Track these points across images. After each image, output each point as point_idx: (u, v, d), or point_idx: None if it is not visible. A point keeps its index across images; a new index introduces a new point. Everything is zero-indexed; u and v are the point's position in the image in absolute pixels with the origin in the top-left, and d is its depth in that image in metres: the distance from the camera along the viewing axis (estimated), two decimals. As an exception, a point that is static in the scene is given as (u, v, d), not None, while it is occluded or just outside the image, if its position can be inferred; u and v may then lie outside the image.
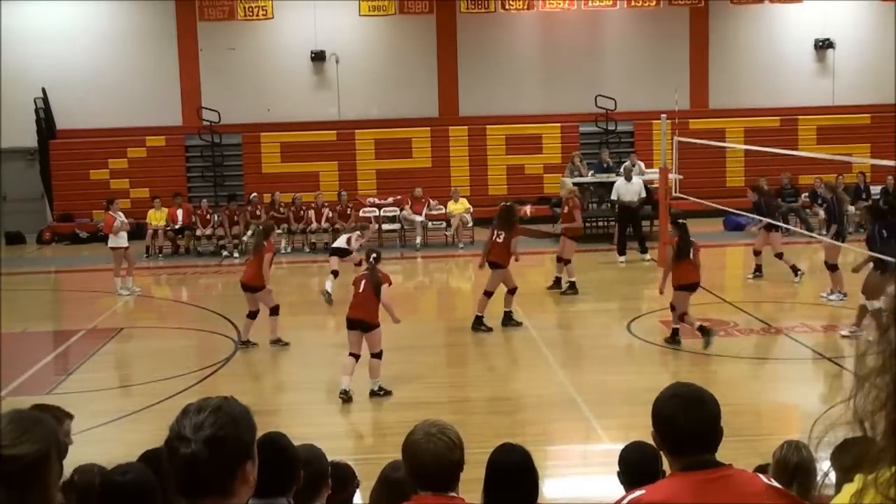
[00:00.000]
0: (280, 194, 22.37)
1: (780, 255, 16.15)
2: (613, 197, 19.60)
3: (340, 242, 16.21)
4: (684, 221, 13.04)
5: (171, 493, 2.30)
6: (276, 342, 12.85)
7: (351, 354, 10.52)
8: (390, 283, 10.75)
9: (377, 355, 10.59)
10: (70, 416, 4.72)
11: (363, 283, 10.56)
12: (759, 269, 16.65)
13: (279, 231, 21.59)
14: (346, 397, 10.39)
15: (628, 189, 19.04)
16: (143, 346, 13.76)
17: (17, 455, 2.01)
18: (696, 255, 12.38)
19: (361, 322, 10.49)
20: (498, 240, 13.55)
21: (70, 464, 3.68)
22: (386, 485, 4.46)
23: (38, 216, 24.64)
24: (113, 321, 15.26)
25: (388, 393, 10.63)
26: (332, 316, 13.41)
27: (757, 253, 16.61)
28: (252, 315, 12.83)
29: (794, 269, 16.11)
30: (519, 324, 13.64)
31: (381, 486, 4.52)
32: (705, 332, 12.14)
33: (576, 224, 15.99)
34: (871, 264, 12.55)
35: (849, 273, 13.72)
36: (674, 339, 12.42)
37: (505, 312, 13.58)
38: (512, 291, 13.56)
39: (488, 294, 13.50)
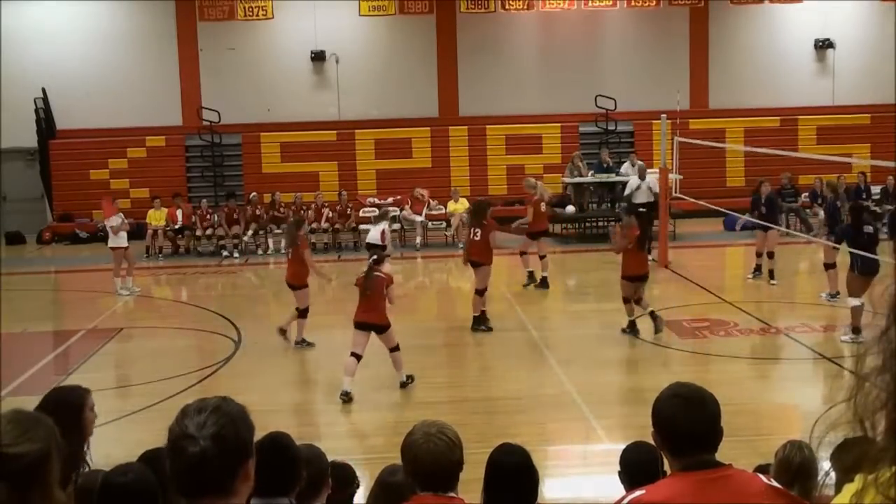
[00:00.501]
0: (280, 194, 22.37)
1: (771, 255, 16.13)
2: (627, 193, 19.59)
3: (374, 237, 16.37)
4: (644, 210, 13.44)
5: (172, 493, 2.30)
6: (301, 343, 12.80)
7: (353, 354, 10.53)
8: (391, 283, 10.77)
9: (395, 349, 10.74)
10: (89, 391, 4.81)
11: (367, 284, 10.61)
12: (758, 268, 16.63)
13: (279, 231, 21.61)
14: (347, 398, 10.39)
15: (641, 187, 19.02)
16: (143, 346, 13.76)
17: (19, 454, 2.02)
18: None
19: (373, 325, 10.58)
20: (475, 238, 13.64)
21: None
22: (383, 489, 4.47)
23: (38, 216, 24.63)
24: (113, 321, 15.25)
25: (413, 379, 10.80)
26: (333, 316, 13.40)
27: (759, 254, 16.51)
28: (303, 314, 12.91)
29: (771, 273, 16.11)
30: (489, 329, 13.58)
31: (378, 490, 4.52)
32: (633, 326, 12.86)
33: (526, 220, 16.22)
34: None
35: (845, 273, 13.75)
36: (632, 328, 12.86)
37: (480, 314, 13.63)
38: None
39: (480, 293, 13.58)
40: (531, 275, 16.17)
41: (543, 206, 16.57)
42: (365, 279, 10.60)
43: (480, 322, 13.47)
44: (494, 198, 20.65)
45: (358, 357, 10.53)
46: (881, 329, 1.53)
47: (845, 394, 1.56)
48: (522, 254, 16.32)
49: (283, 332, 12.84)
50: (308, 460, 3.92)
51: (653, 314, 12.78)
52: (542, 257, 16.25)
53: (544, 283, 16.18)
